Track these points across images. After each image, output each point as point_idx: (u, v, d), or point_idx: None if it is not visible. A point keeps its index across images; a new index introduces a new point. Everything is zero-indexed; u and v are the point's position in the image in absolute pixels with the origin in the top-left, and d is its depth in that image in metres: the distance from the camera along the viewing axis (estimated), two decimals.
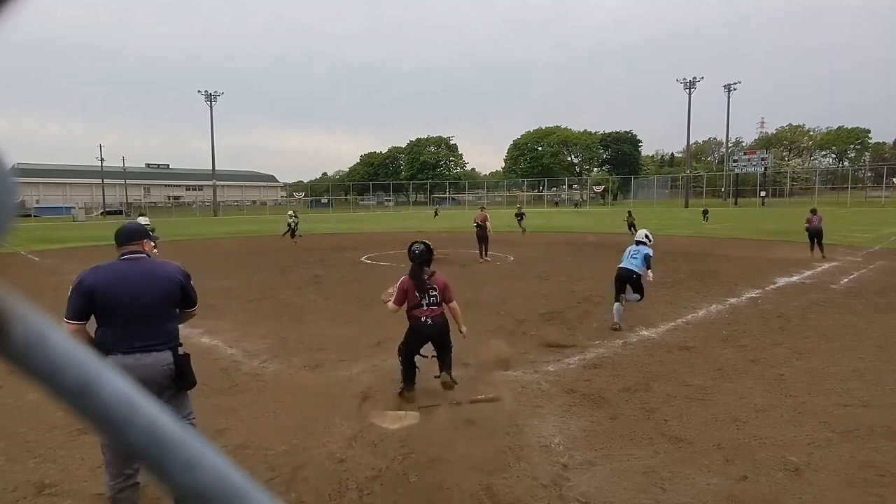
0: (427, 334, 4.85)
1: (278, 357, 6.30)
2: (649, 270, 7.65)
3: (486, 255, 15.69)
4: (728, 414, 4.59)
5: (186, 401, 3.25)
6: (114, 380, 0.28)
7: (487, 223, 15.41)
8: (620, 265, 7.71)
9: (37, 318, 0.28)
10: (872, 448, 3.94)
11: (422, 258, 4.92)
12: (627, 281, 7.57)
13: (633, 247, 7.87)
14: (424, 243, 5.02)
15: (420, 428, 4.40)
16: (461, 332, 5.06)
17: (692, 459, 3.83)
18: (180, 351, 3.12)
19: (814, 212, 15.02)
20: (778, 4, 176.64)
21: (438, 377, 4.95)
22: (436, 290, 4.87)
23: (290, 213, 23.94)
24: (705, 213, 34.13)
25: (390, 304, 4.94)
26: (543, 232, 27.17)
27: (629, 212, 24.39)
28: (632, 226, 22.77)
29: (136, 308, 2.95)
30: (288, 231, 22.60)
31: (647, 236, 8.04)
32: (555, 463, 3.80)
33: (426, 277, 4.87)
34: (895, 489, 3.42)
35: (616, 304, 7.53)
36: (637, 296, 7.68)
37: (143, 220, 7.37)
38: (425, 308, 4.82)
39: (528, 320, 7.96)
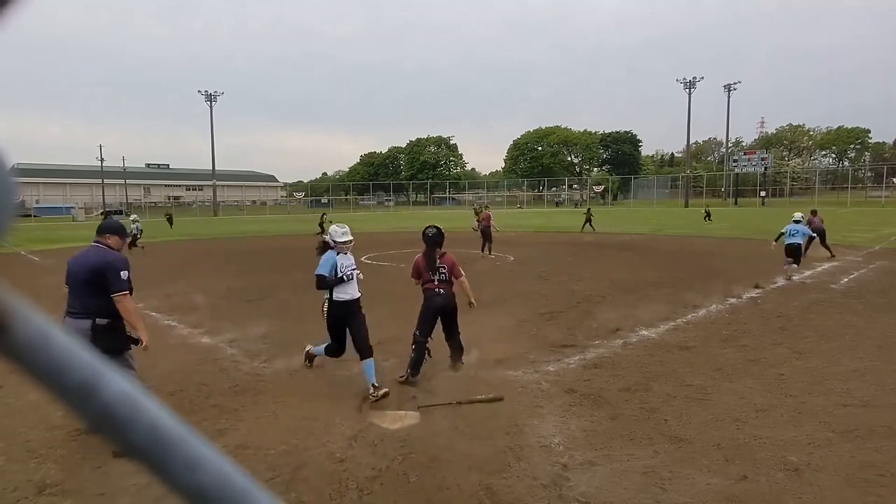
0: (439, 304, 5.45)
1: (278, 357, 6.30)
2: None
3: (490, 252, 16.23)
4: (728, 414, 4.59)
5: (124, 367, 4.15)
6: (115, 380, 0.28)
7: (492, 222, 16.40)
8: (787, 243, 11.20)
9: (38, 318, 0.28)
10: (872, 448, 3.94)
11: (434, 240, 5.55)
12: (796, 251, 11.12)
13: (792, 226, 11.28)
14: (436, 227, 5.68)
15: (420, 428, 4.41)
16: (471, 304, 5.70)
17: (692, 459, 3.83)
18: (99, 322, 3.99)
19: (814, 213, 15.30)
20: (777, 5, 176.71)
21: (452, 367, 5.62)
22: (445, 268, 5.50)
23: (134, 217, 20.08)
24: (708, 214, 33.54)
25: (411, 276, 5.73)
26: (543, 232, 27.16)
27: (589, 209, 27.89)
28: (588, 221, 25.51)
29: (73, 284, 4.02)
30: (131, 240, 18.18)
31: (802, 217, 11.78)
32: (555, 463, 3.80)
33: (437, 257, 5.51)
34: (895, 489, 3.42)
35: (793, 265, 11.14)
36: (796, 266, 11.23)
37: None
38: (436, 283, 5.48)
39: (528, 320, 7.96)
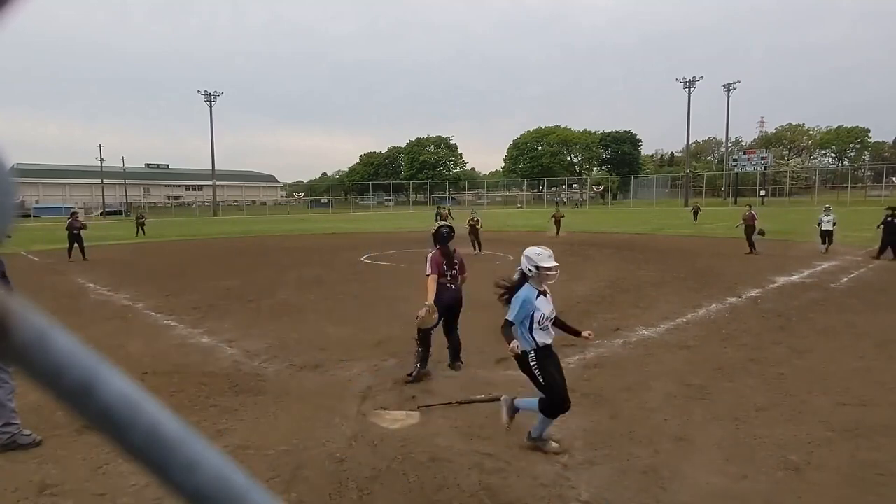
0: (451, 297, 5.70)
1: (278, 357, 6.30)
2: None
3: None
4: (728, 413, 4.59)
5: None
6: (115, 381, 0.28)
7: (450, 220, 18.44)
8: (823, 228, 15.77)
9: (37, 319, 0.28)
10: (872, 447, 3.94)
11: (449, 238, 5.97)
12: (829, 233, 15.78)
13: (824, 217, 15.83)
14: (449, 226, 6.07)
15: (420, 428, 4.41)
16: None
17: (692, 459, 3.83)
18: None
19: (750, 206, 17.02)
20: (778, 3, 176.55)
21: (451, 367, 5.80)
22: (457, 264, 5.86)
23: (72, 209, 16.12)
24: (696, 212, 32.67)
25: (430, 276, 5.59)
26: (543, 232, 27.15)
27: (556, 209, 27.96)
28: (558, 221, 25.43)
29: None
30: (71, 247, 17.07)
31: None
32: (555, 463, 3.80)
33: (452, 252, 5.90)
34: (895, 488, 3.42)
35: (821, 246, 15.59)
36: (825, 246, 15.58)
37: None
38: (449, 277, 5.78)
39: None
